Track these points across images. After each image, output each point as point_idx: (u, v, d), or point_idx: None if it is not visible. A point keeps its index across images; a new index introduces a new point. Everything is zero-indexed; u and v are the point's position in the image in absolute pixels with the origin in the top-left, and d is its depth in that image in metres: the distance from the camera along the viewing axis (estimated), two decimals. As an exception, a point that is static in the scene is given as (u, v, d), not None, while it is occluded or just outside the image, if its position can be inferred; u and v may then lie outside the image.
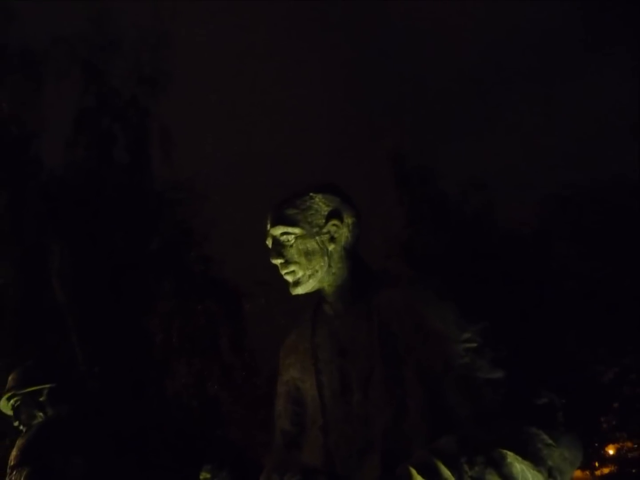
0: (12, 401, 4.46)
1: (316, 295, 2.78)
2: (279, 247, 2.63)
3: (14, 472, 4.13)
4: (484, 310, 2.43)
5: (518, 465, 2.11)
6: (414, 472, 2.13)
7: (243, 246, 18.73)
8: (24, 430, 4.41)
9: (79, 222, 16.67)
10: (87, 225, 16.74)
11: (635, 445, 21.79)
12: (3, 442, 14.15)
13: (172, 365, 19.02)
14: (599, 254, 19.65)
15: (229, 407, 19.67)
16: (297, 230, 2.60)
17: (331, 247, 2.63)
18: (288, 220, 2.61)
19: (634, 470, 21.30)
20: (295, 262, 2.62)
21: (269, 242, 2.68)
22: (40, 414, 4.40)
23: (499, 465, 2.11)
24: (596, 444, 21.28)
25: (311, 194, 2.62)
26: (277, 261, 2.63)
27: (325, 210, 2.63)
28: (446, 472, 2.10)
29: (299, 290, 2.65)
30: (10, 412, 4.52)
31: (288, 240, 2.62)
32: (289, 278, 2.65)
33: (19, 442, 4.32)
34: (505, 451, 2.11)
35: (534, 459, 2.11)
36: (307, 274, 2.62)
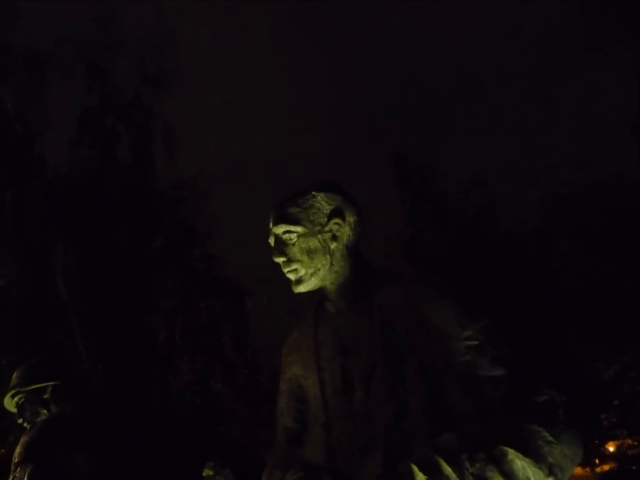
0: (16, 398, 4.49)
1: (318, 293, 2.79)
2: (282, 246, 2.65)
3: (18, 469, 4.16)
4: (485, 308, 2.45)
5: (519, 462, 2.12)
6: (415, 469, 2.16)
7: (246, 244, 18.85)
8: (28, 427, 4.45)
9: (83, 220, 16.70)
10: (91, 224, 16.77)
11: (636, 443, 21.81)
12: (7, 439, 14.24)
13: (175, 363, 19.07)
14: (599, 252, 19.64)
15: (231, 405, 19.67)
16: (299, 229, 2.61)
17: (333, 245, 2.64)
18: (290, 219, 2.62)
19: (634, 467, 21.33)
20: (298, 261, 2.63)
21: (272, 241, 2.70)
22: (44, 411, 4.44)
23: (500, 462, 2.13)
24: (596, 441, 21.34)
25: (313, 192, 2.64)
26: (280, 259, 2.65)
27: (327, 208, 2.64)
28: (447, 469, 2.12)
29: (301, 289, 2.67)
30: (14, 410, 4.55)
31: (290, 239, 2.63)
32: (292, 276, 2.66)
33: (23, 439, 4.34)
34: (506, 448, 2.13)
35: (534, 456, 2.13)
36: (309, 272, 2.63)
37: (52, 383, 4.47)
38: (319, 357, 2.72)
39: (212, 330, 19.37)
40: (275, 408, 2.96)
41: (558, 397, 2.25)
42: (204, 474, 5.72)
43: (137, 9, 21.73)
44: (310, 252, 2.62)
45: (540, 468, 2.12)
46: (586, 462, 21.85)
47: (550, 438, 2.15)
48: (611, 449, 22.87)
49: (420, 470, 2.14)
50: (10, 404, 4.55)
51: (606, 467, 22.90)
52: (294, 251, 2.63)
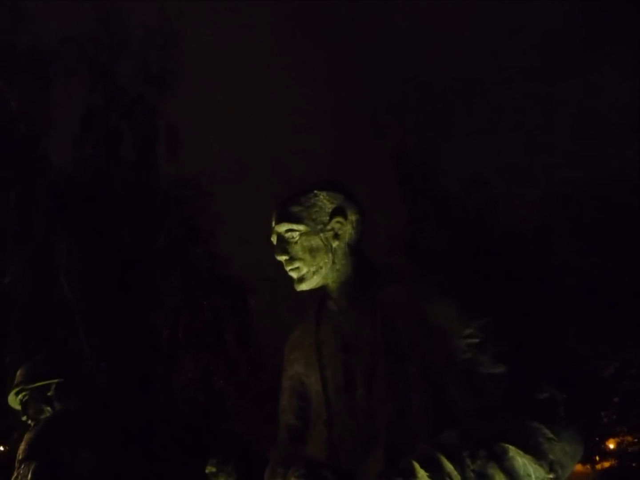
0: (20, 396, 4.49)
1: (320, 292, 2.80)
2: (284, 244, 2.65)
3: (22, 466, 4.16)
4: (486, 306, 2.45)
5: (520, 459, 2.13)
6: (417, 465, 2.16)
7: (248, 243, 18.93)
8: (32, 424, 4.44)
9: (87, 219, 16.74)
10: (95, 222, 16.81)
11: (636, 440, 21.80)
12: (11, 437, 14.33)
13: (179, 360, 19.12)
14: (599, 250, 19.66)
15: (234, 402, 19.80)
16: (301, 227, 2.62)
17: (335, 243, 2.64)
18: (293, 218, 2.63)
19: (634, 464, 21.32)
20: (300, 259, 2.64)
21: (274, 239, 2.71)
22: (48, 408, 4.44)
23: (501, 459, 2.14)
24: (597, 438, 21.35)
25: (315, 191, 2.64)
26: (282, 258, 2.66)
27: (329, 207, 2.64)
28: (449, 465, 2.13)
29: (304, 287, 2.68)
30: (18, 407, 4.55)
31: (293, 237, 2.64)
32: (294, 274, 2.67)
33: (27, 436, 4.34)
34: (507, 445, 2.14)
35: (535, 453, 2.13)
36: (311, 271, 2.64)
37: (56, 380, 4.47)
38: (321, 355, 2.72)
39: (215, 328, 19.44)
40: (277, 405, 2.97)
41: (559, 394, 2.27)
42: (207, 471, 5.63)
43: (141, 9, 21.83)
44: (312, 251, 2.63)
45: (541, 465, 2.13)
46: (586, 459, 21.85)
47: (551, 435, 2.16)
48: (611, 446, 22.87)
49: (421, 467, 2.15)
50: (14, 401, 4.56)
51: (606, 464, 22.99)
52: (297, 249, 2.64)
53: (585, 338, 19.33)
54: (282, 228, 2.64)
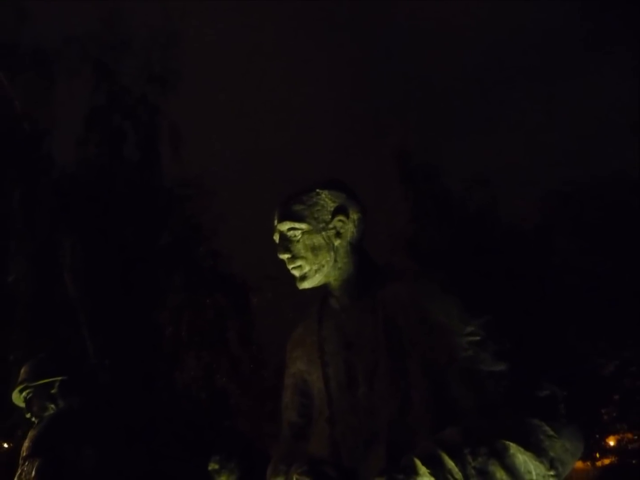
0: (24, 393, 4.50)
1: (323, 290, 2.80)
2: (286, 242, 2.66)
3: (26, 463, 4.18)
4: (487, 304, 2.46)
5: (520, 456, 2.14)
6: (418, 462, 2.17)
7: (251, 241, 18.90)
8: (36, 421, 4.46)
9: (90, 217, 16.79)
10: (98, 221, 16.86)
11: (636, 437, 21.86)
12: (15, 434, 14.35)
13: (182, 358, 19.15)
14: (600, 249, 19.65)
15: (237, 399, 19.82)
16: (303, 226, 2.62)
17: (337, 242, 2.64)
18: (295, 216, 2.64)
19: (634, 461, 21.33)
20: (302, 257, 2.64)
21: (277, 238, 2.71)
22: (52, 405, 4.45)
23: (502, 456, 2.14)
24: (597, 436, 21.35)
25: (318, 190, 2.65)
26: (284, 256, 2.67)
27: (331, 206, 2.65)
28: (450, 462, 2.14)
29: (306, 285, 2.68)
30: (22, 404, 4.57)
31: (295, 236, 2.64)
32: (296, 272, 2.68)
33: (31, 434, 4.36)
34: (508, 442, 2.15)
35: (536, 450, 2.14)
36: (313, 269, 2.64)
37: (59, 378, 4.49)
38: (323, 352, 2.73)
39: (218, 326, 19.50)
40: (280, 403, 2.99)
41: (559, 392, 2.27)
42: (210, 468, 5.66)
43: (144, 9, 21.82)
44: (314, 249, 2.63)
45: (541, 462, 2.14)
46: (587, 456, 21.89)
47: (552, 432, 2.17)
48: (611, 443, 22.85)
49: (423, 464, 2.16)
50: (18, 398, 4.58)
51: (606, 461, 22.90)
52: (299, 248, 2.65)
53: (586, 336, 19.25)
54: (284, 226, 2.66)
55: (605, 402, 20.92)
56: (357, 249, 2.71)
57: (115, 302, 16.34)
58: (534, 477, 2.15)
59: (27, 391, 4.49)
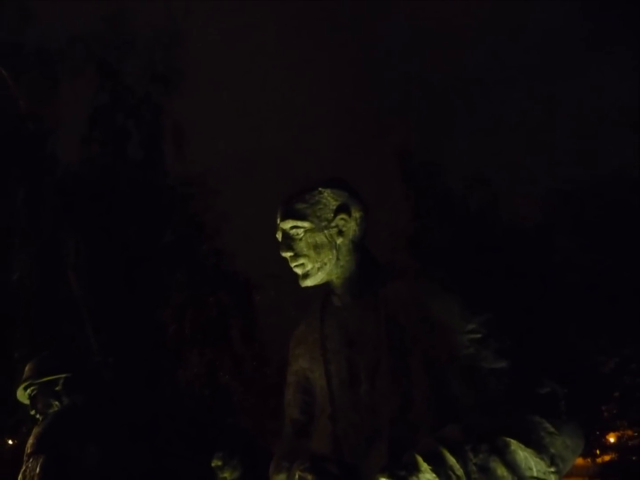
0: (28, 390, 4.52)
1: (325, 288, 2.82)
2: (289, 241, 2.67)
3: (31, 460, 4.20)
4: (488, 302, 2.47)
5: (521, 453, 2.15)
6: (420, 459, 2.18)
7: (254, 240, 18.90)
8: (40, 418, 4.48)
9: (94, 216, 16.81)
10: (102, 220, 16.88)
11: (636, 434, 21.87)
12: (20, 431, 14.40)
13: (185, 356, 19.17)
14: (600, 247, 19.68)
15: (240, 396, 19.83)
16: (306, 224, 2.63)
17: (339, 240, 2.65)
18: (297, 214, 2.65)
19: (634, 458, 21.33)
20: (305, 255, 2.65)
21: (279, 236, 2.72)
22: (56, 402, 4.47)
23: (503, 453, 2.15)
24: (597, 432, 21.42)
25: (320, 188, 2.66)
26: (287, 254, 2.68)
27: (333, 204, 2.65)
28: (451, 459, 2.15)
29: (308, 283, 2.70)
30: (27, 401, 4.59)
31: (297, 234, 2.65)
32: (299, 271, 2.69)
33: (35, 431, 4.38)
34: (508, 439, 2.16)
35: (536, 446, 2.15)
36: (316, 267, 2.65)
37: (63, 375, 4.51)
38: (325, 350, 2.74)
39: (221, 323, 19.51)
40: (282, 400, 3.01)
41: (560, 389, 2.28)
42: (213, 465, 5.41)
43: (147, 9, 21.84)
44: (316, 247, 2.64)
45: (542, 459, 2.15)
46: (587, 453, 21.93)
47: (552, 429, 2.17)
48: (612, 440, 22.92)
49: (424, 460, 2.17)
50: (23, 395, 4.60)
51: (607, 458, 22.96)
52: (301, 246, 2.66)
53: (586, 333, 19.32)
54: (287, 225, 2.67)
55: (606, 399, 20.98)
56: (359, 247, 2.72)
57: (118, 300, 16.35)
58: (535, 473, 2.16)
59: (32, 388, 4.52)
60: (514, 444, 2.16)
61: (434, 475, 2.15)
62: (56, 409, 4.46)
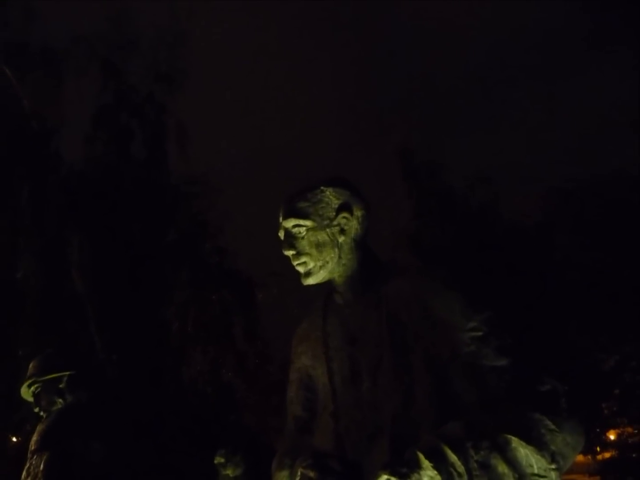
0: (32, 388, 4.55)
1: (327, 286, 2.83)
2: (291, 239, 2.68)
3: (35, 457, 4.23)
4: (489, 300, 2.48)
5: (522, 450, 2.16)
6: (421, 456, 2.19)
7: (256, 238, 18.80)
8: (44, 416, 4.51)
9: (98, 214, 16.86)
10: (105, 218, 16.93)
11: (636, 431, 21.81)
12: (24, 428, 14.44)
13: (188, 353, 19.21)
14: (600, 245, 19.68)
15: (242, 394, 19.91)
16: (308, 223, 2.64)
17: (341, 239, 2.66)
18: (300, 213, 2.66)
19: (634, 455, 21.24)
20: (307, 254, 2.66)
21: (282, 234, 2.73)
22: (60, 400, 4.50)
23: (504, 450, 2.16)
24: (597, 430, 21.35)
25: (322, 187, 2.67)
26: (289, 252, 2.69)
27: (335, 203, 2.66)
28: (452, 456, 2.17)
29: (310, 281, 2.71)
30: (31, 399, 4.62)
31: (300, 232, 2.66)
32: (301, 269, 2.70)
33: (39, 428, 4.41)
34: (509, 436, 2.17)
35: (537, 444, 2.16)
36: (318, 265, 2.66)
37: (67, 373, 4.54)
38: (328, 348, 2.75)
39: (224, 321, 19.55)
40: (285, 397, 3.02)
41: (560, 386, 2.29)
42: (216, 461, 5.79)
43: (151, 8, 21.93)
44: (319, 246, 2.65)
45: (543, 455, 2.16)
46: (587, 450, 21.79)
47: (553, 426, 2.18)
48: (612, 437, 22.84)
49: (426, 457, 2.18)
50: (27, 393, 4.63)
51: (607, 455, 22.79)
52: (303, 244, 2.67)
53: (587, 331, 19.31)
54: (289, 223, 2.68)
55: (606, 397, 20.94)
56: (361, 245, 2.73)
57: (122, 298, 16.38)
58: (536, 470, 2.17)
59: (36, 386, 4.55)
60: (515, 441, 2.17)
61: (435, 472, 2.16)
62: (60, 406, 4.50)
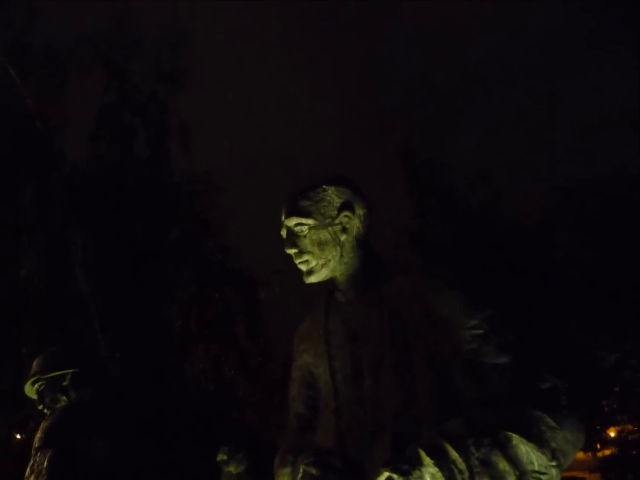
0: (36, 385, 4.55)
1: (329, 284, 2.82)
2: (293, 238, 2.68)
3: (38, 454, 4.23)
4: (490, 298, 2.48)
5: (523, 447, 2.15)
6: (423, 453, 2.19)
7: (258, 236, 19.09)
8: (48, 413, 4.50)
9: (101, 213, 16.98)
10: (109, 217, 17.04)
11: (636, 428, 21.97)
12: (27, 425, 14.54)
13: (191, 351, 19.29)
14: (601, 244, 19.73)
15: (245, 391, 19.99)
16: (310, 221, 2.65)
17: (343, 237, 2.66)
18: (302, 212, 2.66)
19: (634, 452, 21.47)
20: (309, 252, 2.66)
21: (284, 233, 2.73)
22: (64, 397, 4.49)
23: (505, 447, 2.16)
24: (598, 427, 21.53)
25: (324, 186, 2.67)
26: (291, 251, 2.69)
27: (337, 202, 2.66)
28: (454, 453, 2.16)
29: (313, 279, 2.71)
30: (35, 396, 4.61)
31: (302, 231, 2.66)
32: (303, 267, 2.70)
33: (43, 425, 4.40)
34: (510, 434, 2.16)
35: (538, 441, 2.16)
36: (320, 263, 2.66)
37: (71, 370, 4.53)
38: (330, 346, 2.75)
39: (226, 319, 19.63)
40: (287, 395, 3.02)
41: (561, 384, 2.29)
42: (218, 459, 5.81)
43: (154, 8, 21.95)
44: (321, 244, 2.65)
45: (543, 453, 2.16)
46: (588, 447, 22.08)
47: (553, 424, 2.18)
48: (612, 434, 23.04)
49: (427, 454, 2.18)
50: (30, 390, 4.62)
51: (607, 452, 23.03)
52: (305, 243, 2.67)
53: (587, 329, 19.41)
54: (291, 222, 2.69)
55: (606, 394, 21.07)
56: (363, 244, 2.74)
57: (125, 296, 16.46)
58: (536, 467, 2.17)
59: (39, 383, 4.55)
60: (516, 439, 2.17)
61: (436, 469, 2.16)
62: (64, 403, 4.50)
